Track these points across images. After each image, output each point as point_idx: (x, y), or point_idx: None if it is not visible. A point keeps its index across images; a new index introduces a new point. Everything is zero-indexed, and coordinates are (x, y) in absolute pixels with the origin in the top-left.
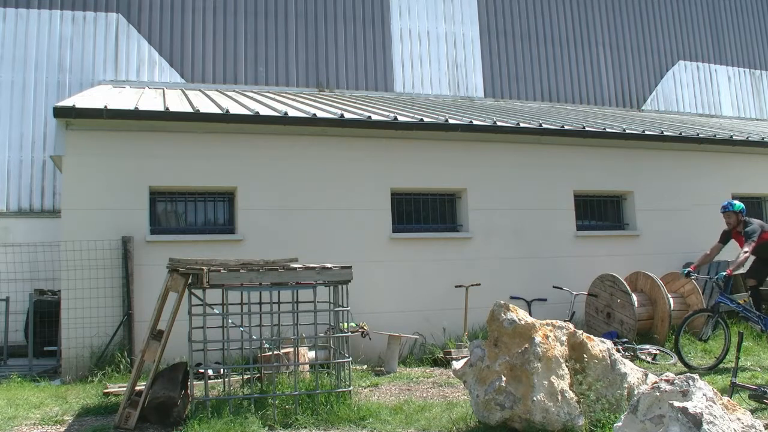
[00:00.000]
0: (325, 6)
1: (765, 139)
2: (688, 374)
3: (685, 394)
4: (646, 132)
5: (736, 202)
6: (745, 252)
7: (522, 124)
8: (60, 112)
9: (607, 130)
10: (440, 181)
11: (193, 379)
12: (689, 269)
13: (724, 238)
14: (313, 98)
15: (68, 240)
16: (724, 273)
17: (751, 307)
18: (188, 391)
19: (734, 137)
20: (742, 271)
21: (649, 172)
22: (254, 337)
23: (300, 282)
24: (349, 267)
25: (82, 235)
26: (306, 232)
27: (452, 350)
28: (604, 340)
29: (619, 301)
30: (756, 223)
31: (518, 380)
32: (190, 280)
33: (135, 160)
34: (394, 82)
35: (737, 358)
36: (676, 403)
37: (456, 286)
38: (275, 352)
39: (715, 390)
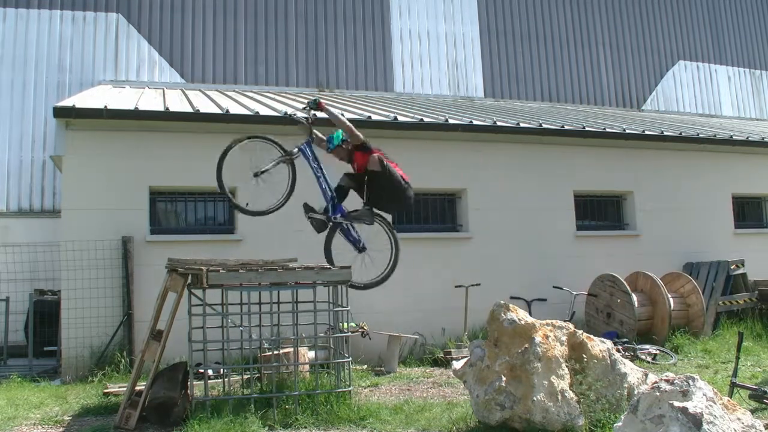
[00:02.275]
0: (325, 6)
1: (765, 139)
2: (688, 374)
3: (685, 394)
4: (646, 132)
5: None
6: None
7: (522, 124)
8: (60, 112)
9: (607, 130)
10: (440, 181)
11: (193, 379)
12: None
13: None
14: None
15: (68, 240)
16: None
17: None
18: (188, 391)
19: (734, 137)
20: None
21: (649, 172)
22: (254, 337)
23: (299, 282)
24: (349, 267)
25: (82, 235)
26: (305, 232)
27: (452, 350)
28: (604, 340)
29: (619, 301)
30: None
31: (518, 380)
32: (189, 280)
33: (135, 160)
34: (394, 82)
35: (737, 358)
36: (676, 403)
37: (456, 286)
38: (275, 352)
39: (715, 390)
